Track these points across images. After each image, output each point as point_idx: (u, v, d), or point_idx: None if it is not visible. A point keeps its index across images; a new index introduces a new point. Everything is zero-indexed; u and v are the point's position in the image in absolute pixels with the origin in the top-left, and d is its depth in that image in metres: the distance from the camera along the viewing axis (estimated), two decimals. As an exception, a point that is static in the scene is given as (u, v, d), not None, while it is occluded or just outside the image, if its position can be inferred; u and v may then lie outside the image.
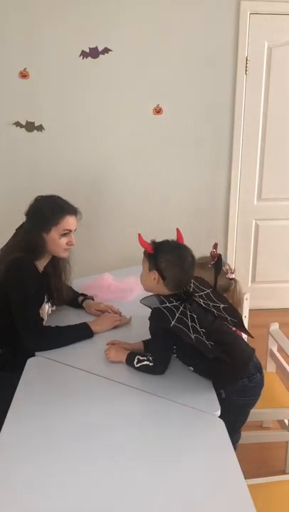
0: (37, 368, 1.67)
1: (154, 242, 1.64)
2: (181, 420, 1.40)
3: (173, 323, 1.50)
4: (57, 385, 1.58)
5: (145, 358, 1.59)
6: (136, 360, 1.61)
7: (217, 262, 1.80)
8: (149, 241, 1.64)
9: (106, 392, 1.53)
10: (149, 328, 1.62)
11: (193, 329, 1.50)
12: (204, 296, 1.62)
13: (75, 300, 2.14)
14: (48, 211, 1.87)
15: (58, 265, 2.01)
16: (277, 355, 2.18)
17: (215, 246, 1.84)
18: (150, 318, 1.59)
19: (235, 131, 3.34)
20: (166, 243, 1.65)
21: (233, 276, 1.84)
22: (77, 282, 2.27)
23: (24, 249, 1.85)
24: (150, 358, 1.59)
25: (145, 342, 1.75)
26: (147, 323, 1.61)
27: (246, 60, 3.22)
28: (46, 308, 2.23)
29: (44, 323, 1.92)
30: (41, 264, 1.93)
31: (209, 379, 1.57)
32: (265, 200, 3.54)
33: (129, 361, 1.63)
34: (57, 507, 1.10)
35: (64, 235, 1.88)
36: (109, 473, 1.20)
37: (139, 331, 1.78)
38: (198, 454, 1.27)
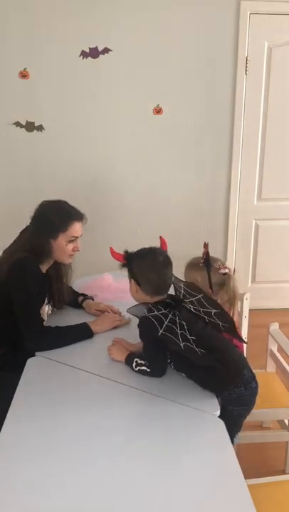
0: (37, 368, 1.67)
1: (126, 252, 1.64)
2: (181, 420, 1.40)
3: (161, 331, 1.47)
4: (57, 385, 1.58)
5: (143, 363, 1.59)
6: (134, 363, 1.61)
7: (206, 259, 1.77)
8: (122, 252, 1.65)
9: (106, 392, 1.53)
10: (141, 337, 1.61)
11: (182, 337, 1.47)
12: (195, 301, 1.58)
13: (75, 300, 2.14)
14: (55, 217, 1.87)
15: (60, 269, 2.02)
16: (277, 355, 2.17)
17: (205, 245, 1.82)
18: (138, 327, 1.58)
19: (235, 131, 3.34)
20: (138, 251, 1.65)
21: (226, 271, 1.81)
22: (78, 282, 2.27)
23: (28, 252, 1.85)
24: (147, 364, 1.58)
25: None
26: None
27: (246, 60, 3.22)
28: (46, 309, 2.23)
29: (44, 324, 1.92)
30: (44, 267, 1.94)
31: (201, 386, 1.54)
32: (265, 200, 3.54)
33: (128, 362, 1.63)
34: (57, 507, 1.10)
35: (71, 241, 1.89)
36: (109, 472, 1.20)
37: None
38: (198, 454, 1.27)
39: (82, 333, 1.85)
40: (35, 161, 3.27)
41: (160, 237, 1.74)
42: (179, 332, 1.48)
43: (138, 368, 1.59)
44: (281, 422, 2.14)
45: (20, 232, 1.96)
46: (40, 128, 3.21)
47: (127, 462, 1.23)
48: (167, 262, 1.63)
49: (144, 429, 1.38)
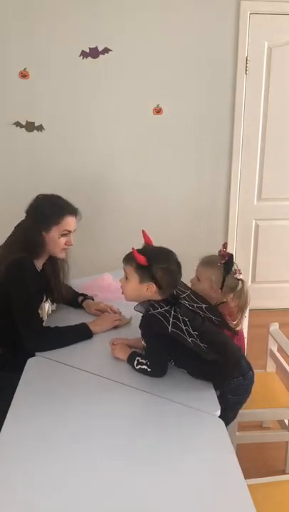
0: (37, 368, 1.67)
1: (144, 253, 1.58)
2: (181, 420, 1.40)
3: (170, 328, 1.49)
4: (57, 385, 1.58)
5: (144, 362, 1.59)
6: (136, 362, 1.61)
7: (228, 261, 1.81)
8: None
9: (106, 392, 1.53)
10: (142, 334, 1.61)
11: (187, 333, 1.49)
12: (187, 297, 1.62)
13: (75, 300, 2.14)
14: (49, 210, 1.87)
15: (56, 265, 2.01)
16: (277, 355, 2.17)
17: (224, 245, 1.86)
18: (142, 325, 1.58)
19: (235, 131, 3.34)
20: (154, 251, 1.62)
21: (242, 277, 1.85)
22: (78, 282, 2.27)
23: (23, 247, 1.85)
24: (148, 363, 1.59)
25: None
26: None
27: (246, 60, 3.22)
28: (46, 307, 2.23)
29: (44, 324, 1.92)
30: (39, 263, 1.93)
31: (204, 380, 1.56)
32: (265, 200, 3.54)
33: (130, 361, 1.64)
34: (57, 507, 1.10)
35: (64, 235, 1.89)
36: (109, 472, 1.19)
37: (139, 331, 1.77)
38: (198, 454, 1.27)
39: (81, 333, 1.85)
40: (35, 161, 3.27)
41: (142, 231, 1.70)
42: (183, 328, 1.50)
43: (139, 366, 1.60)
44: (281, 422, 2.14)
45: (15, 227, 1.96)
46: (40, 128, 3.21)
47: (126, 462, 1.23)
48: (179, 265, 1.64)
49: (144, 429, 1.38)
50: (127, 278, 1.65)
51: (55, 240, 1.88)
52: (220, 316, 1.65)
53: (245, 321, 2.17)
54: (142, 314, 1.58)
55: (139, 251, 1.60)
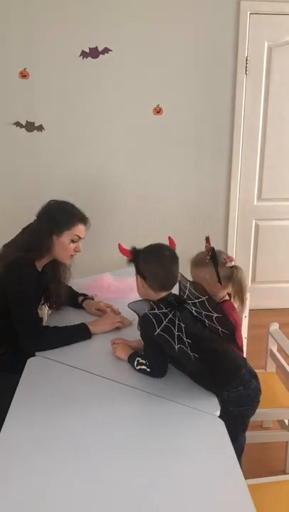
0: (37, 368, 1.67)
1: (134, 248, 1.63)
2: (181, 420, 1.40)
3: (157, 331, 1.47)
4: (57, 385, 1.58)
5: (144, 362, 1.59)
6: (136, 362, 1.61)
7: (212, 254, 1.77)
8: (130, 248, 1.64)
9: (106, 392, 1.53)
10: (141, 335, 1.61)
11: (178, 339, 1.46)
12: (198, 304, 1.58)
13: (75, 300, 2.14)
14: (62, 215, 1.89)
15: (58, 271, 2.01)
16: (277, 355, 2.18)
17: (207, 239, 1.81)
18: (139, 325, 1.58)
19: (235, 131, 3.34)
20: (146, 247, 1.65)
21: (233, 263, 1.82)
22: (77, 282, 2.27)
23: (26, 248, 1.85)
24: (147, 363, 1.58)
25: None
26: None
27: (246, 60, 3.22)
28: (46, 308, 2.23)
29: (44, 323, 1.92)
30: (41, 263, 1.93)
31: (201, 386, 1.54)
32: (265, 200, 3.54)
33: (131, 361, 1.64)
34: (57, 507, 1.10)
35: (73, 241, 1.91)
36: (109, 472, 1.19)
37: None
38: (198, 454, 1.28)
39: (80, 333, 1.85)
40: (36, 160, 3.27)
41: (169, 238, 1.73)
42: (176, 333, 1.47)
43: (139, 367, 1.60)
44: (281, 422, 2.14)
45: (23, 229, 1.97)
46: (40, 128, 3.21)
47: (126, 462, 1.23)
48: (173, 258, 1.62)
49: (144, 429, 1.38)
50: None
51: (65, 245, 1.89)
52: (229, 330, 1.58)
53: (245, 321, 2.17)
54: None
55: (132, 247, 1.63)
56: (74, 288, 2.20)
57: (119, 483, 1.16)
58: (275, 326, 2.21)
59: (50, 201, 1.95)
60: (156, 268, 1.59)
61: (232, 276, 1.81)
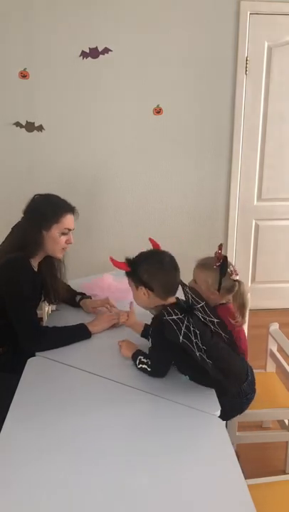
0: (37, 368, 1.67)
1: (128, 260, 1.60)
2: (181, 420, 1.40)
3: (181, 338, 1.45)
4: (57, 385, 1.58)
5: (145, 361, 1.59)
6: (138, 361, 1.61)
7: (223, 263, 1.78)
8: (123, 260, 1.61)
9: (106, 392, 1.53)
10: (152, 337, 1.61)
11: (196, 346, 1.46)
12: (200, 309, 1.59)
13: (73, 299, 2.14)
14: (48, 209, 1.87)
15: (53, 266, 2.01)
16: (277, 355, 2.17)
17: (220, 247, 1.83)
18: (155, 328, 1.56)
19: (235, 131, 3.34)
20: (139, 256, 1.62)
21: (237, 277, 1.84)
22: (77, 282, 2.27)
23: (20, 246, 1.84)
24: (148, 363, 1.58)
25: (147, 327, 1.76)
26: (146, 320, 1.61)
27: (246, 60, 3.22)
28: (46, 308, 2.23)
29: (44, 323, 1.92)
30: (35, 261, 1.93)
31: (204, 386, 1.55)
32: (265, 200, 3.54)
33: (134, 358, 1.64)
34: (57, 507, 1.10)
35: (64, 233, 1.89)
36: (109, 472, 1.19)
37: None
38: (198, 454, 1.28)
39: (79, 333, 1.85)
40: (35, 161, 3.27)
41: (150, 239, 1.71)
42: (194, 340, 1.46)
43: (140, 366, 1.60)
44: (281, 422, 2.14)
45: (12, 228, 1.96)
46: (40, 128, 3.21)
47: (127, 462, 1.23)
48: (173, 261, 1.61)
49: (144, 429, 1.38)
50: (130, 286, 1.65)
51: (56, 239, 1.87)
52: (229, 334, 1.62)
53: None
54: (145, 311, 1.58)
55: (126, 259, 1.60)
56: (73, 288, 2.20)
57: (119, 483, 1.16)
58: (275, 326, 2.21)
59: (34, 196, 1.93)
60: (162, 277, 1.57)
61: (232, 289, 1.83)
